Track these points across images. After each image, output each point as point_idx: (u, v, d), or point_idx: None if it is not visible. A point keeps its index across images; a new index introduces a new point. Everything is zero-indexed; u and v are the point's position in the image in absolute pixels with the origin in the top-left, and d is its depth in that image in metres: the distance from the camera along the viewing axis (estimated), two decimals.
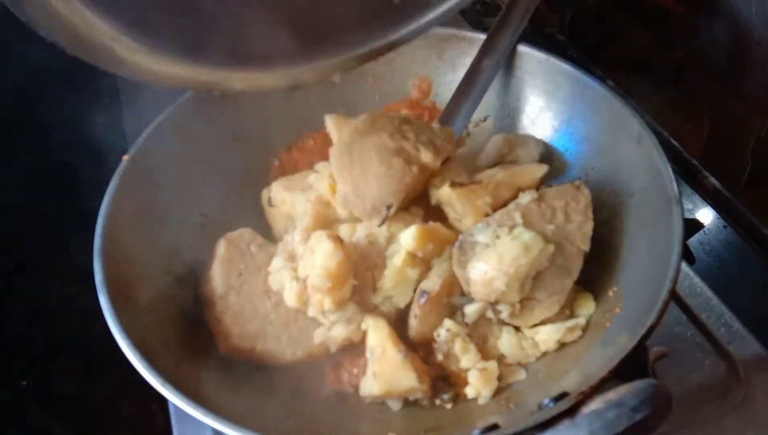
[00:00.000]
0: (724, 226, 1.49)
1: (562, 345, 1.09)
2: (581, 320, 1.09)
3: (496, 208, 1.14)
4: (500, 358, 1.10)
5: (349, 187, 1.15)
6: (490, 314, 1.10)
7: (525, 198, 1.12)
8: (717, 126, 1.73)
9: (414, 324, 1.10)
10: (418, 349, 1.11)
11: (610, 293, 1.11)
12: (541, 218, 1.11)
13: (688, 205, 1.51)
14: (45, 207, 1.65)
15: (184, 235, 1.23)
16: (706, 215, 1.51)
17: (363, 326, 1.10)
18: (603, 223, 1.19)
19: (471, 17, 2.07)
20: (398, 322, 1.12)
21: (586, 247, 1.11)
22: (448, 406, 1.06)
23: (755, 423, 1.15)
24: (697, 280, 1.32)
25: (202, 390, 0.99)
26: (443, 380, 1.10)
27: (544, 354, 1.10)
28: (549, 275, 1.08)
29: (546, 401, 0.85)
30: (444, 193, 1.17)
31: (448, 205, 1.18)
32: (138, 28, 0.92)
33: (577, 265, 1.10)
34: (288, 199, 1.26)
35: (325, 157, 1.38)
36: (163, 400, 0.95)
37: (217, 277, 1.16)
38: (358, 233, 1.16)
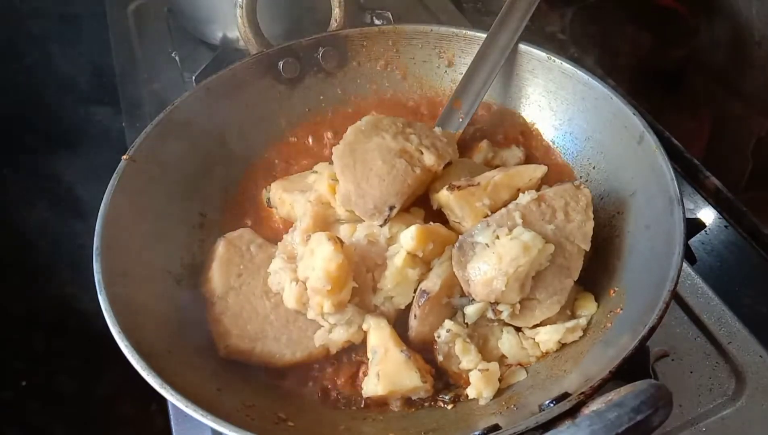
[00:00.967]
0: (726, 226, 1.49)
1: (562, 345, 1.09)
2: (582, 321, 1.09)
3: (495, 210, 1.14)
4: (501, 359, 1.10)
5: (351, 187, 1.15)
6: (490, 315, 1.09)
7: (525, 198, 1.12)
8: (718, 126, 1.73)
9: (414, 324, 1.10)
10: (419, 351, 1.10)
11: (612, 293, 1.10)
12: (541, 218, 1.10)
13: (689, 205, 1.51)
14: (45, 207, 1.65)
15: (184, 235, 1.23)
16: (707, 215, 1.51)
17: (364, 327, 1.10)
18: (604, 223, 1.19)
19: (471, 16, 2.07)
20: (398, 324, 1.12)
21: (586, 246, 1.10)
22: (449, 406, 1.06)
23: (755, 423, 1.15)
24: (698, 280, 1.32)
25: (202, 390, 0.99)
26: (443, 381, 1.10)
27: (545, 354, 1.09)
28: (549, 275, 1.08)
29: (547, 402, 0.85)
30: (443, 196, 1.17)
31: (448, 208, 1.18)
32: None
33: (577, 264, 1.10)
34: (287, 200, 1.26)
35: (318, 156, 1.39)
36: (163, 400, 0.95)
37: (217, 278, 1.16)
38: (358, 234, 1.15)
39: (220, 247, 1.19)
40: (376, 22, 1.77)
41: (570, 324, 1.08)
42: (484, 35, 1.35)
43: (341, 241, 1.09)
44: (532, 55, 1.34)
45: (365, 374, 1.09)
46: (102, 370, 1.39)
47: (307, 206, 1.21)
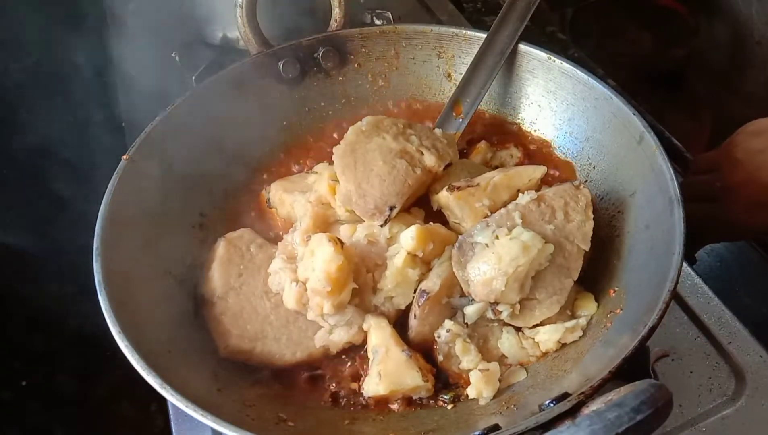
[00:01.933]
0: None
1: (562, 345, 1.09)
2: (582, 320, 1.09)
3: (494, 210, 1.14)
4: (501, 359, 1.10)
5: (352, 187, 1.15)
6: (490, 315, 1.09)
7: (524, 198, 1.12)
8: (718, 126, 1.73)
9: (414, 324, 1.10)
10: (419, 351, 1.10)
11: (611, 294, 1.10)
12: (541, 218, 1.10)
13: None
14: (44, 207, 1.65)
15: (184, 235, 1.23)
16: None
17: (365, 326, 1.10)
18: (604, 223, 1.19)
19: (471, 16, 2.07)
20: (398, 325, 1.12)
21: (586, 246, 1.10)
22: (449, 406, 1.06)
23: (755, 423, 1.15)
24: (698, 280, 1.32)
25: (202, 390, 0.99)
26: (443, 381, 1.10)
27: (545, 354, 1.09)
28: (549, 275, 1.08)
29: (547, 402, 0.85)
30: (442, 197, 1.17)
31: (447, 208, 1.18)
32: None
33: (577, 264, 1.10)
34: (287, 201, 1.26)
35: (318, 157, 1.38)
36: (163, 400, 0.95)
37: (217, 278, 1.16)
38: (358, 234, 1.15)
39: (220, 247, 1.19)
40: (376, 22, 1.77)
41: (570, 324, 1.08)
42: (484, 35, 1.35)
43: (342, 242, 1.09)
44: (532, 55, 1.34)
45: (366, 374, 1.09)
46: (102, 370, 1.39)
47: (307, 207, 1.21)
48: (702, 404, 1.17)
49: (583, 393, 0.83)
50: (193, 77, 1.69)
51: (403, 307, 1.12)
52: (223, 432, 0.88)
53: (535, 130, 1.39)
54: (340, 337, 1.09)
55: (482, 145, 1.37)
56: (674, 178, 1.06)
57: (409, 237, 1.09)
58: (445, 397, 1.07)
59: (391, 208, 1.14)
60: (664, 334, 1.24)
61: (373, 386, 1.05)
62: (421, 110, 1.47)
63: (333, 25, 1.43)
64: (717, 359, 1.22)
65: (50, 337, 1.51)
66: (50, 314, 1.52)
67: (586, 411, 0.81)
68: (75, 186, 1.51)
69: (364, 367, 1.10)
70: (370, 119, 1.24)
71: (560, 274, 1.08)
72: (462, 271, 1.07)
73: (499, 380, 1.07)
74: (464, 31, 1.40)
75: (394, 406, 1.07)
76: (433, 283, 1.08)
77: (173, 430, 1.20)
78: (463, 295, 1.10)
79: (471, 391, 1.05)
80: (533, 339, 1.10)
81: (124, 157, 1.18)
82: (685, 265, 1.03)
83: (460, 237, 1.10)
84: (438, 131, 1.27)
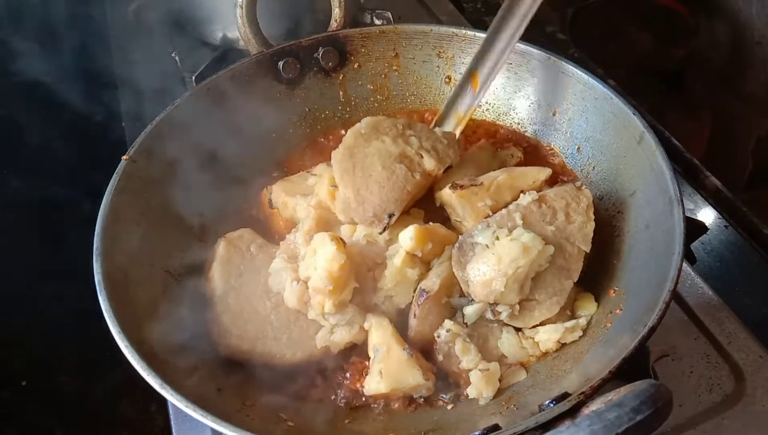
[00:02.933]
0: (725, 226, 1.49)
1: (562, 345, 1.09)
2: (582, 321, 1.09)
3: (496, 210, 1.14)
4: (501, 359, 1.10)
5: (351, 193, 1.15)
6: (489, 315, 1.09)
7: (525, 199, 1.12)
8: (718, 126, 1.73)
9: (413, 323, 1.10)
10: (419, 350, 1.10)
11: (612, 294, 1.10)
12: (542, 219, 1.10)
13: (689, 205, 1.51)
14: (44, 207, 1.65)
15: (183, 235, 1.23)
16: (707, 215, 1.51)
17: (366, 325, 1.10)
18: (604, 223, 1.18)
19: (471, 15, 2.07)
20: (398, 323, 1.12)
21: (587, 247, 1.10)
22: (449, 406, 1.06)
23: (755, 423, 1.15)
24: (698, 280, 1.32)
25: (202, 390, 0.99)
26: (444, 380, 1.10)
27: (545, 354, 1.09)
28: (549, 276, 1.08)
29: (547, 402, 0.85)
30: (445, 194, 1.17)
31: (449, 206, 1.18)
32: None
33: (577, 265, 1.10)
34: (290, 204, 1.26)
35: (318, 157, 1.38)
36: (163, 401, 0.95)
37: (217, 278, 1.16)
38: (357, 234, 1.16)
39: (221, 247, 1.19)
40: (376, 22, 1.77)
41: (569, 324, 1.08)
42: (484, 35, 1.35)
43: (344, 242, 1.09)
44: (532, 55, 1.34)
45: (366, 373, 1.09)
46: (102, 370, 1.39)
47: (309, 210, 1.21)
48: (702, 404, 1.17)
49: (583, 393, 0.83)
50: (193, 77, 1.69)
51: (403, 307, 1.12)
52: (223, 432, 0.88)
53: (534, 130, 1.39)
54: (341, 336, 1.09)
55: (483, 143, 1.37)
56: (674, 178, 1.06)
57: (407, 237, 1.09)
58: (446, 396, 1.07)
59: (390, 216, 1.14)
60: (664, 334, 1.24)
61: (374, 384, 1.05)
62: (420, 110, 1.47)
63: (333, 25, 1.43)
64: (717, 359, 1.22)
65: (50, 337, 1.51)
66: (50, 314, 1.52)
67: (586, 411, 0.81)
68: (75, 186, 1.51)
69: (365, 366, 1.10)
70: (369, 120, 1.23)
71: (560, 275, 1.08)
72: (462, 272, 1.07)
73: (500, 380, 1.07)
74: (464, 31, 1.40)
75: (395, 406, 1.07)
76: (432, 282, 1.08)
77: (173, 430, 1.20)
78: (462, 295, 1.10)
79: (471, 391, 1.05)
80: (533, 339, 1.10)
81: (124, 157, 1.18)
82: (685, 265, 1.03)
83: (460, 237, 1.10)
84: (438, 130, 1.27)
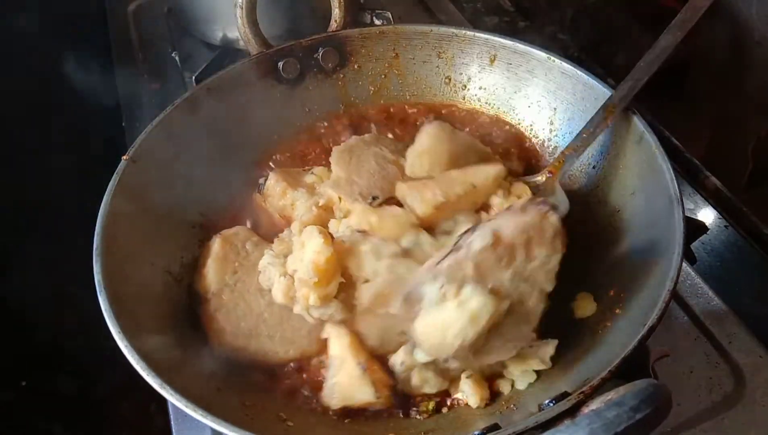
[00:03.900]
0: (726, 226, 1.49)
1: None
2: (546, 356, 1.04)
3: (449, 202, 1.12)
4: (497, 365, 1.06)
5: (343, 174, 1.23)
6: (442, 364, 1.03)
7: (477, 242, 0.98)
8: (718, 126, 1.73)
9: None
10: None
11: (611, 293, 1.10)
12: (497, 264, 0.98)
13: (689, 205, 1.51)
14: (44, 207, 1.65)
15: (183, 235, 1.23)
16: (707, 215, 1.51)
17: (323, 335, 1.08)
18: (604, 223, 1.18)
19: (471, 16, 2.07)
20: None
21: (550, 287, 1.01)
22: (420, 417, 1.04)
23: (755, 423, 1.15)
24: (698, 279, 1.32)
25: (202, 390, 0.99)
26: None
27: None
28: (505, 327, 0.99)
29: (546, 402, 0.85)
30: (399, 189, 1.19)
31: (403, 199, 1.18)
32: None
33: (537, 310, 1.01)
34: (289, 194, 1.26)
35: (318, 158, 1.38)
36: (163, 401, 0.95)
37: (211, 275, 1.16)
38: (344, 228, 1.16)
39: (216, 244, 1.19)
40: (376, 22, 1.77)
41: (533, 364, 1.04)
42: (484, 35, 1.35)
43: (332, 236, 1.09)
44: (532, 55, 1.34)
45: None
46: (102, 370, 1.39)
47: (311, 209, 1.21)
48: (702, 404, 1.17)
49: (582, 392, 0.83)
50: (193, 77, 1.70)
51: None
52: (223, 432, 0.88)
53: (534, 131, 1.39)
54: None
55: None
56: (674, 178, 1.06)
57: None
58: (414, 410, 1.04)
59: (374, 198, 1.19)
60: (664, 334, 1.24)
61: (327, 398, 1.04)
62: (420, 110, 1.47)
63: (333, 25, 1.43)
64: (717, 359, 1.22)
65: (50, 337, 1.51)
66: (50, 314, 1.52)
67: (586, 410, 0.81)
68: (75, 186, 1.52)
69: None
70: (375, 134, 1.32)
71: (519, 322, 1.00)
72: (409, 326, 1.00)
73: (493, 384, 1.05)
74: (464, 31, 1.40)
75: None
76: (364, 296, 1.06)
77: (173, 430, 1.20)
78: None
79: (460, 396, 1.04)
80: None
81: (124, 157, 1.18)
82: (685, 265, 1.03)
83: (407, 287, 1.01)
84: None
